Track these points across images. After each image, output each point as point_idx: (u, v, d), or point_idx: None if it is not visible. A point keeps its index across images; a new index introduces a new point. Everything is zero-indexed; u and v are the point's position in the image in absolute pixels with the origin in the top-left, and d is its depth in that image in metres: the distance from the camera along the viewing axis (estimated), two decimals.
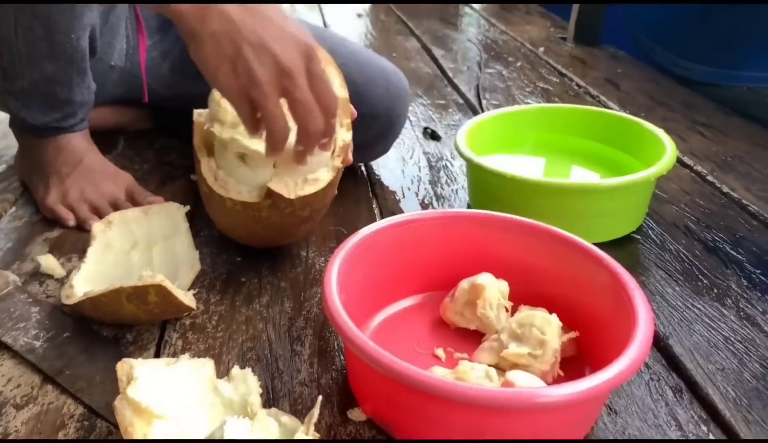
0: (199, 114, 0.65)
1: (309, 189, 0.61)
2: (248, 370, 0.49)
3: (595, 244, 0.57)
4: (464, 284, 0.58)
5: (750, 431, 0.51)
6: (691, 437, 0.50)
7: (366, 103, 0.82)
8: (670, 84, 1.39)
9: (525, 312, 0.55)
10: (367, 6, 2.19)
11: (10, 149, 0.96)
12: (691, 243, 0.77)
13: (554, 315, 0.54)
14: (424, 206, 0.85)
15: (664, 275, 0.70)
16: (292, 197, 0.60)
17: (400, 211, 0.83)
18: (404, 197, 0.87)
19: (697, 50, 1.60)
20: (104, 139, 0.94)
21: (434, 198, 0.87)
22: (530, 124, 0.90)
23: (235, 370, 0.49)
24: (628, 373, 0.43)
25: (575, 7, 1.69)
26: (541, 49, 1.63)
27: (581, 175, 0.86)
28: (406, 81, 0.90)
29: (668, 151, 0.75)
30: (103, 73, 0.87)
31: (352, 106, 0.66)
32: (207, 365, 0.49)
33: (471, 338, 0.58)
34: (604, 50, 1.64)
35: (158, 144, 1.00)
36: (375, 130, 0.86)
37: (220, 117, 0.62)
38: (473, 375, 0.48)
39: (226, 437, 0.41)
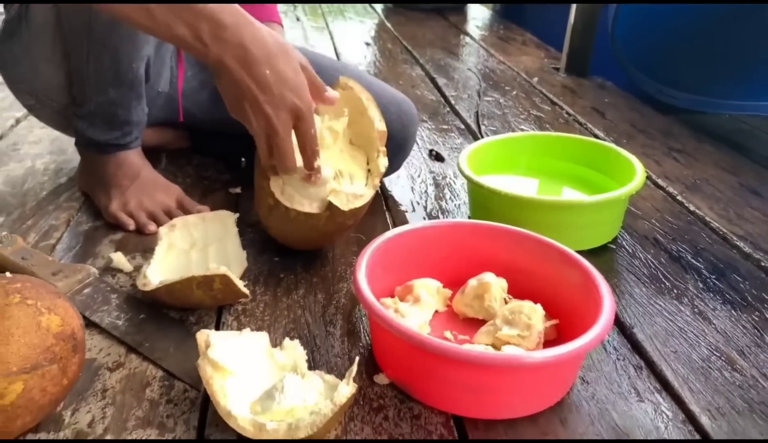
0: None
1: (357, 203, 0.75)
2: (296, 341, 0.62)
3: (577, 251, 0.71)
4: (473, 281, 0.71)
5: (694, 399, 0.63)
6: (648, 402, 0.63)
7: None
8: (651, 113, 1.53)
9: (515, 302, 0.68)
10: (373, 34, 2.34)
11: (69, 163, 1.09)
12: (659, 253, 0.90)
13: (539, 305, 0.67)
14: (430, 218, 0.98)
15: (634, 278, 0.84)
16: (346, 209, 0.73)
17: (410, 221, 0.96)
18: (413, 210, 1.00)
19: (683, 79, 1.68)
20: (148, 156, 1.08)
21: (439, 212, 1.00)
22: (524, 149, 1.05)
23: (286, 341, 0.62)
24: (594, 342, 0.56)
25: (567, 38, 1.84)
26: (536, 79, 1.78)
27: (566, 193, 1.00)
28: (415, 108, 1.04)
29: (638, 174, 0.89)
30: (152, 98, 1.01)
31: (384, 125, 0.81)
32: (264, 336, 0.62)
33: (476, 325, 0.71)
34: (593, 81, 1.79)
35: (196, 161, 1.14)
36: (387, 150, 0.99)
37: None
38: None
39: (285, 387, 0.54)
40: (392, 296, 0.73)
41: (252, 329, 0.68)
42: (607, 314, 0.60)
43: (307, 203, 0.75)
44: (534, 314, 0.66)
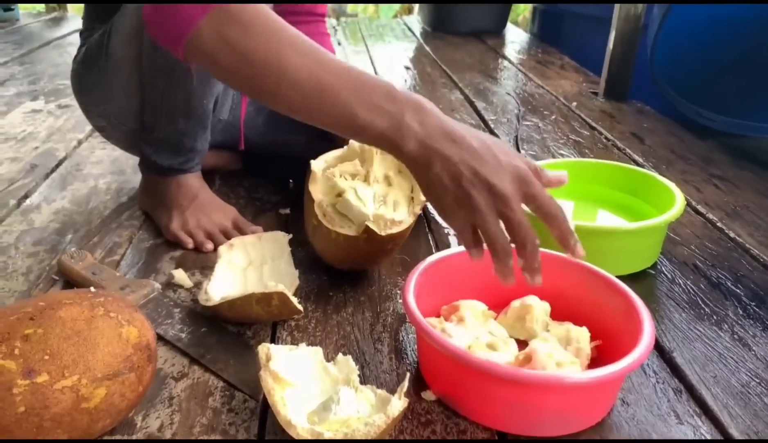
0: (315, 165, 0.84)
1: (395, 229, 0.79)
2: (348, 357, 0.66)
3: (616, 276, 0.74)
4: (515, 303, 0.74)
5: (733, 423, 0.65)
6: (687, 425, 0.65)
7: None
8: (690, 139, 1.54)
9: (564, 326, 0.71)
10: (412, 57, 2.40)
11: (129, 183, 1.16)
12: (698, 279, 0.92)
13: (584, 328, 0.70)
14: None
15: (673, 304, 0.85)
16: (383, 234, 0.78)
17: (452, 243, 1.00)
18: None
19: (722, 102, 1.67)
20: (203, 177, 1.14)
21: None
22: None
23: (339, 356, 0.66)
24: (635, 364, 0.59)
25: (606, 63, 1.86)
26: (574, 103, 1.80)
27: (606, 218, 1.02)
28: None
29: (678, 201, 0.91)
30: (213, 124, 1.07)
31: None
32: (318, 351, 0.66)
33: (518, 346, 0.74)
34: (632, 105, 1.81)
35: (247, 183, 1.19)
36: None
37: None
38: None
39: (341, 399, 0.58)
40: (438, 316, 0.76)
41: (306, 344, 0.73)
42: (648, 337, 0.62)
43: (347, 226, 0.79)
44: (582, 337, 0.69)
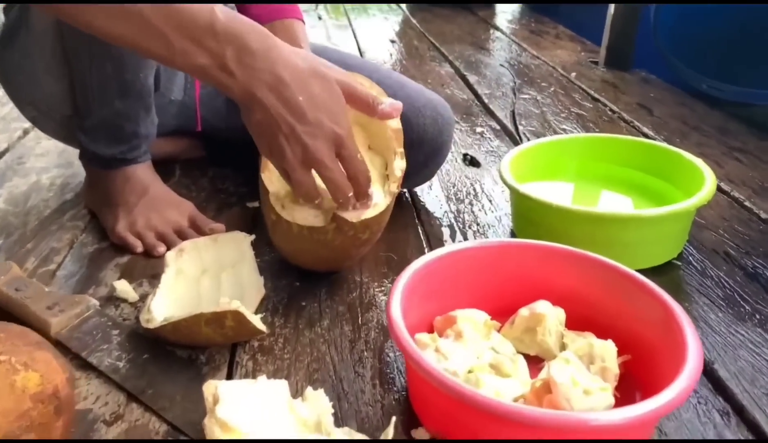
0: None
1: (369, 213, 0.65)
2: (320, 391, 0.52)
3: (638, 270, 0.61)
4: (524, 311, 0.61)
5: None
6: None
7: (414, 131, 0.86)
8: (702, 108, 1.41)
9: (585, 338, 0.58)
10: (398, 30, 2.25)
11: (77, 177, 1.02)
12: (732, 270, 0.79)
13: (610, 341, 0.57)
14: (467, 232, 0.88)
15: (707, 301, 0.73)
16: (355, 220, 0.64)
17: (446, 236, 0.87)
18: (449, 223, 0.91)
19: (728, 70, 1.60)
20: (160, 168, 0.99)
21: (477, 225, 0.90)
22: (572, 153, 0.94)
23: (309, 391, 0.53)
24: (678, 401, 0.46)
25: (606, 31, 1.72)
26: (573, 73, 1.66)
27: (624, 203, 0.89)
28: (451, 111, 0.94)
29: (708, 181, 0.77)
30: (163, 106, 0.93)
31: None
32: (283, 386, 0.53)
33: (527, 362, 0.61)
34: (636, 74, 1.67)
35: (211, 172, 1.05)
36: (422, 156, 0.89)
37: None
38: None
39: None
40: (431, 329, 0.63)
41: (270, 369, 0.60)
42: (694, 359, 0.49)
43: (310, 216, 0.66)
44: (607, 353, 0.56)
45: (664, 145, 0.91)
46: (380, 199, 0.68)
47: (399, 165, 0.70)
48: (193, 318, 0.57)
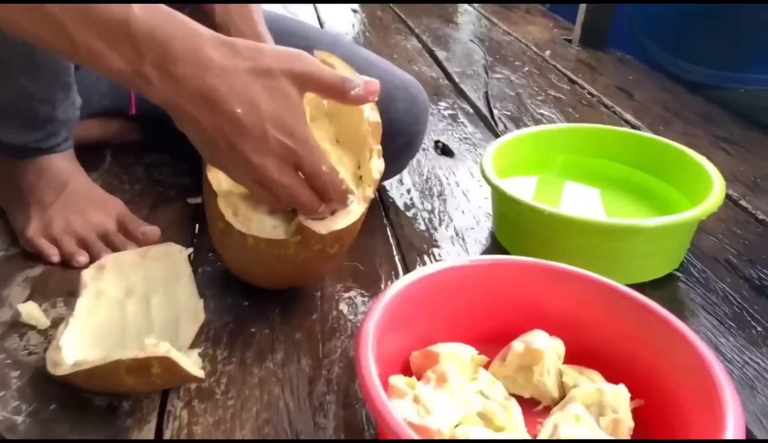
0: None
1: (341, 223, 0.54)
2: None
3: (635, 285, 0.54)
4: (518, 346, 0.51)
5: None
6: None
7: (386, 118, 0.74)
8: (683, 93, 1.33)
9: (594, 385, 0.48)
10: None
11: None
12: (737, 281, 0.71)
13: (622, 387, 0.47)
14: (443, 236, 0.77)
15: (715, 322, 0.64)
16: (324, 232, 0.53)
17: (419, 241, 0.76)
18: (422, 224, 0.80)
19: (698, 52, 1.56)
20: (88, 154, 0.86)
21: (455, 227, 0.80)
22: (559, 145, 0.84)
23: None
24: None
25: (582, 8, 1.62)
26: (548, 52, 1.56)
27: (620, 207, 0.79)
28: (425, 94, 0.83)
29: (715, 185, 0.69)
30: (89, 85, 0.79)
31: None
32: None
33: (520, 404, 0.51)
34: (611, 55, 1.58)
35: (148, 159, 0.91)
36: (394, 148, 0.78)
37: None
38: None
39: None
40: (406, 367, 0.53)
41: (210, 421, 0.49)
42: (735, 425, 0.40)
43: (270, 227, 0.54)
44: (620, 401, 0.46)
45: (665, 140, 0.82)
46: (353, 206, 0.56)
47: (377, 166, 0.58)
48: (111, 366, 0.45)
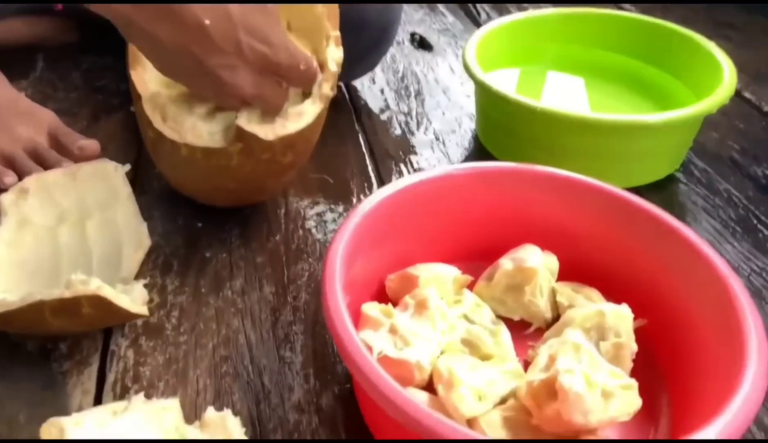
0: None
1: (292, 127, 0.47)
2: (227, 412, 0.36)
3: (634, 188, 0.50)
4: (506, 264, 0.45)
5: None
6: None
7: (354, 8, 0.65)
8: None
9: (593, 305, 0.43)
10: None
11: None
12: (741, 181, 0.65)
13: (625, 307, 0.42)
14: (422, 141, 0.70)
15: (718, 226, 0.59)
16: (271, 138, 0.46)
17: (395, 148, 0.68)
18: (398, 129, 0.72)
19: None
20: (17, 59, 0.76)
21: (434, 130, 0.72)
22: (550, 33, 0.75)
23: (210, 413, 0.36)
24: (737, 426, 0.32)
25: None
26: None
27: (616, 100, 0.71)
28: None
29: (725, 75, 0.61)
30: None
31: None
32: (170, 409, 0.36)
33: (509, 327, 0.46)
34: None
35: (87, 63, 0.81)
36: (363, 42, 0.69)
37: None
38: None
39: None
40: (381, 291, 0.47)
41: (159, 360, 0.43)
42: (755, 363, 0.35)
43: (206, 133, 0.47)
44: (623, 326, 0.41)
45: (669, 23, 0.73)
46: (307, 106, 0.48)
47: (334, 55, 0.50)
48: (33, 307, 0.38)
